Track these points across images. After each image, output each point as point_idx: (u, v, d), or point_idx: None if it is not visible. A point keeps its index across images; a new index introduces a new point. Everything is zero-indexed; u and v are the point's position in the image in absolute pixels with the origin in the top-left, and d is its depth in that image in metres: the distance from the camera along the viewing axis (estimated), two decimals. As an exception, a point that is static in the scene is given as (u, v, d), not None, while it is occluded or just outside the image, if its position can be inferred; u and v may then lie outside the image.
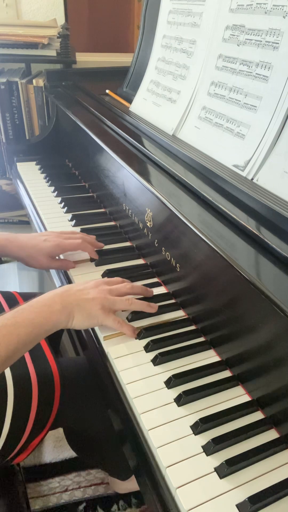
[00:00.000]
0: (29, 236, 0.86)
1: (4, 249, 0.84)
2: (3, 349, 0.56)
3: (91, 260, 0.88)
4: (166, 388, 0.61)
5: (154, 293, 0.77)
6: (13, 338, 0.58)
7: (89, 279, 0.83)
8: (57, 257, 0.87)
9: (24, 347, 0.60)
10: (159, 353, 0.65)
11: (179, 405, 0.58)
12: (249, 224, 0.59)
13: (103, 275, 0.84)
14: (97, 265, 0.87)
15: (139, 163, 0.85)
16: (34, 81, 1.48)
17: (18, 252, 0.84)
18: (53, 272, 0.92)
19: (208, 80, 0.81)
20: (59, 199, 1.13)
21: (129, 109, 1.06)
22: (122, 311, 0.73)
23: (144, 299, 0.74)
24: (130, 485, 1.05)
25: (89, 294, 0.67)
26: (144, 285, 0.81)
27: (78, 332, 0.77)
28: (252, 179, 0.67)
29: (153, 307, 0.72)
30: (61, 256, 0.89)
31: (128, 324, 0.70)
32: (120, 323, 0.68)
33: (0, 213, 1.81)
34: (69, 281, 0.86)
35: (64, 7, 1.71)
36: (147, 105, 0.99)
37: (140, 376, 0.62)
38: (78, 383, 0.78)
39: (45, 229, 1.02)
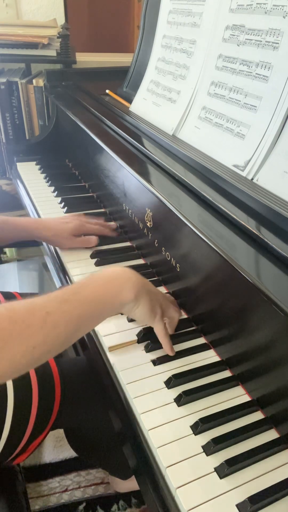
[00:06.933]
0: (52, 219, 0.97)
1: (34, 231, 0.91)
2: (62, 329, 0.51)
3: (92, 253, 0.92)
4: (166, 388, 0.61)
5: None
6: (74, 316, 0.52)
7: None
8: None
9: (86, 325, 0.56)
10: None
11: (179, 405, 0.58)
12: (249, 224, 0.59)
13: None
14: (97, 265, 0.87)
15: (139, 163, 0.85)
16: (34, 81, 1.48)
17: (46, 232, 0.91)
18: (53, 272, 0.93)
19: (208, 80, 0.81)
20: (59, 199, 1.13)
21: (129, 109, 1.06)
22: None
23: None
24: (131, 484, 1.06)
25: (155, 289, 0.66)
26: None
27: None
28: (252, 179, 0.67)
29: (173, 352, 0.67)
30: None
31: (170, 340, 0.66)
32: (166, 335, 0.65)
33: (0, 213, 1.81)
34: (69, 281, 0.86)
35: (64, 7, 1.71)
36: (147, 105, 0.99)
37: (139, 376, 0.62)
38: (78, 384, 0.78)
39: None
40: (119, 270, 0.62)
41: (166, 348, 0.66)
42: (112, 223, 1.01)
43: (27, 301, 0.50)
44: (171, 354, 0.65)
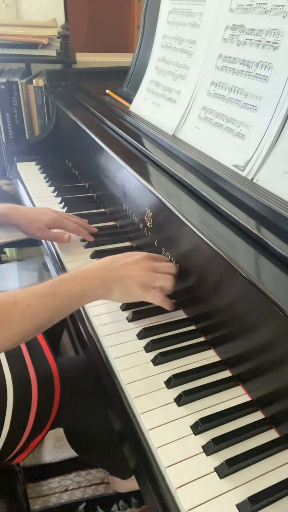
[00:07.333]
0: (29, 207, 0.98)
1: (6, 217, 0.91)
2: (38, 320, 0.58)
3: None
4: (166, 388, 0.61)
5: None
6: (49, 308, 0.59)
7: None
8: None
9: (58, 316, 0.62)
10: (159, 353, 0.65)
11: (179, 405, 0.58)
12: (249, 224, 0.59)
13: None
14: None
15: (139, 163, 0.85)
16: (34, 81, 1.48)
17: (19, 219, 0.91)
18: (53, 272, 0.92)
19: (208, 80, 0.81)
20: (59, 199, 1.13)
21: (129, 109, 1.06)
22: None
23: None
24: (131, 484, 1.06)
25: (131, 271, 0.68)
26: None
27: (78, 331, 0.77)
28: (252, 179, 0.67)
29: (172, 307, 0.73)
30: None
31: (168, 300, 0.71)
32: (162, 299, 0.70)
33: (0, 213, 1.81)
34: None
35: (64, 7, 1.71)
36: (147, 105, 0.99)
37: (140, 376, 0.62)
38: (78, 383, 0.78)
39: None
40: (89, 269, 0.67)
41: (166, 307, 0.71)
42: (93, 228, 0.97)
43: (11, 294, 0.57)
44: (169, 309, 0.71)
